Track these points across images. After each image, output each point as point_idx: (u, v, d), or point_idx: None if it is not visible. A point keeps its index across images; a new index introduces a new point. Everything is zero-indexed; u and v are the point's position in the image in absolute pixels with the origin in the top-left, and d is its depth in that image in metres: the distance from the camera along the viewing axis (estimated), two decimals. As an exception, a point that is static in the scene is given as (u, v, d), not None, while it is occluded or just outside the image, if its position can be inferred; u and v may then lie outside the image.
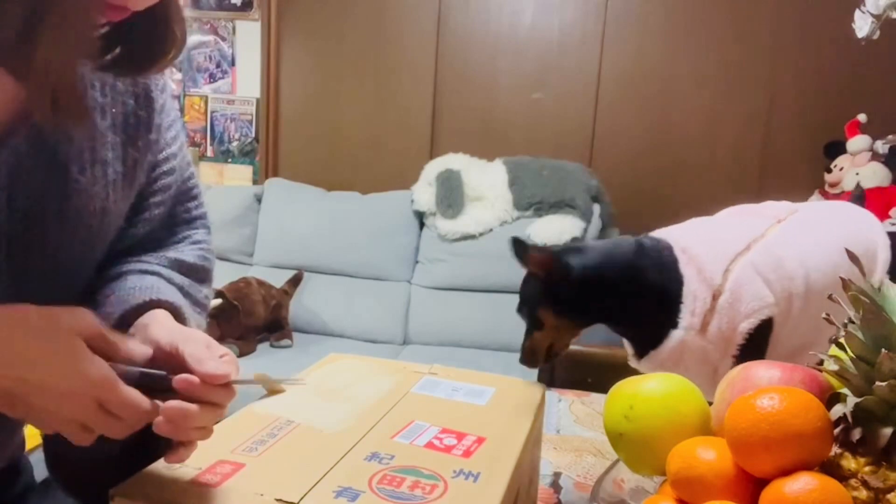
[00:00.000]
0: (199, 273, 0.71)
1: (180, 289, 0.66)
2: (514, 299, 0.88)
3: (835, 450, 0.54)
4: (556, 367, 1.35)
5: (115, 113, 0.60)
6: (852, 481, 0.51)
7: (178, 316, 0.61)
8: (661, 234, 0.85)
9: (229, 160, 3.22)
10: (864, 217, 0.90)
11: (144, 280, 0.63)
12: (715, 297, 0.77)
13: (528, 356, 0.85)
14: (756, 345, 0.78)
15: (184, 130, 0.72)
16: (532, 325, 0.83)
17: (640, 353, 0.84)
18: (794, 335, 0.79)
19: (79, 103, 0.52)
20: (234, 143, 3.20)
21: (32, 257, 0.54)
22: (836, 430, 0.55)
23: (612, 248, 0.83)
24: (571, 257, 0.80)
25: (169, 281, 0.66)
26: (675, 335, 0.79)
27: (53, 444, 0.63)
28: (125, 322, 0.58)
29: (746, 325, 0.77)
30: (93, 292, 0.63)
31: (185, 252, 0.70)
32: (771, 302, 0.77)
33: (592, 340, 1.14)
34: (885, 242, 0.85)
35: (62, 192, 0.54)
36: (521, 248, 0.81)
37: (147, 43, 0.55)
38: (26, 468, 0.75)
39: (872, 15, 1.31)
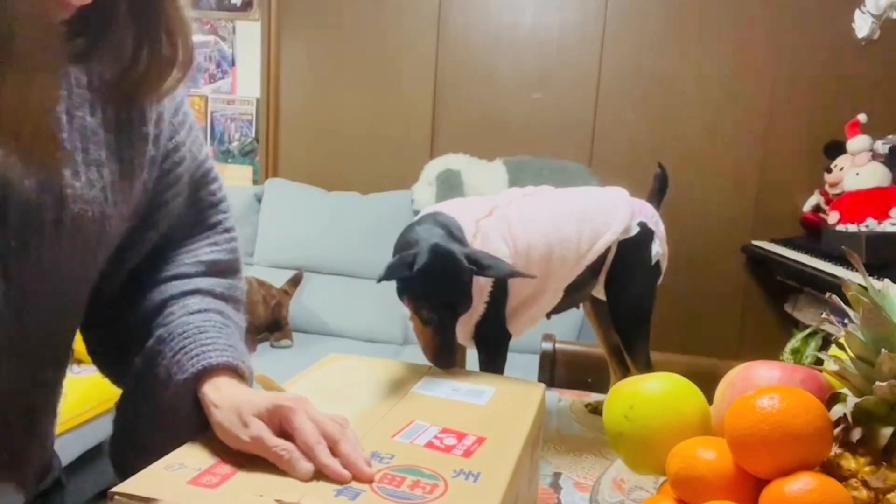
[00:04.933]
0: (233, 267, 0.71)
1: (221, 296, 0.68)
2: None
3: (835, 450, 0.54)
4: (556, 367, 1.35)
5: (106, 108, 0.57)
6: (852, 481, 0.51)
7: (241, 376, 0.63)
8: (439, 208, 0.96)
9: (229, 160, 3.22)
10: (609, 205, 0.98)
11: (194, 322, 0.63)
12: None
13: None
14: (500, 289, 0.93)
15: (191, 111, 0.70)
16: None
17: None
18: (525, 286, 0.94)
19: (47, 140, 0.50)
20: (234, 143, 3.20)
21: (30, 274, 0.51)
22: (836, 430, 0.55)
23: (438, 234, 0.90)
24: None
25: (210, 293, 0.66)
26: None
27: (121, 457, 0.63)
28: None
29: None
30: (135, 307, 0.64)
31: (219, 249, 0.70)
32: (507, 254, 0.92)
33: (592, 340, 1.14)
34: (616, 230, 0.94)
35: (57, 200, 0.51)
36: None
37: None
38: (57, 465, 0.74)
39: (872, 15, 1.31)
